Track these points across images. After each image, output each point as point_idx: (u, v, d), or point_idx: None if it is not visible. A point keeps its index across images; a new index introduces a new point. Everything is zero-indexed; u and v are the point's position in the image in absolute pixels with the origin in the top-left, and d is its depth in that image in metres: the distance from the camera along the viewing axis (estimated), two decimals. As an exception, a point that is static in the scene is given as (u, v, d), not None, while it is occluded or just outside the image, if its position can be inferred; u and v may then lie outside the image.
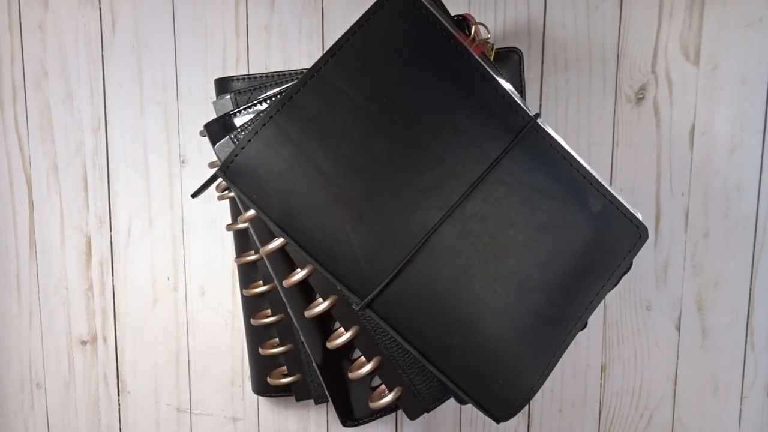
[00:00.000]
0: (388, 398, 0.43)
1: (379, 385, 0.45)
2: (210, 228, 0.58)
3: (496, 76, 0.39)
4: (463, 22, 0.42)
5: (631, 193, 0.55)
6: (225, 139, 0.43)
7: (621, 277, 0.40)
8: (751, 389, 0.57)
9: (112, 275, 0.59)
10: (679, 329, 0.56)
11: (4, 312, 0.60)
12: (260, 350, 0.51)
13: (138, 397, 0.60)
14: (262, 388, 0.54)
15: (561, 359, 0.39)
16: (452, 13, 0.42)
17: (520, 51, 0.47)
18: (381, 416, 0.46)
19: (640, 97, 0.54)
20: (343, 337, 0.42)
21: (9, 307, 0.60)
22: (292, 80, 0.46)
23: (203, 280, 0.58)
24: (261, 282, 0.50)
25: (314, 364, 0.45)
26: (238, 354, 0.59)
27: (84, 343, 0.60)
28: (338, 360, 0.45)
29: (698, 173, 0.55)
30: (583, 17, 0.54)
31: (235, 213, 0.50)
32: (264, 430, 0.60)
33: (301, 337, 0.46)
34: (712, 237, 0.55)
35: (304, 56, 0.55)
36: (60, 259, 0.59)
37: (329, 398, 0.46)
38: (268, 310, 0.51)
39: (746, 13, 0.53)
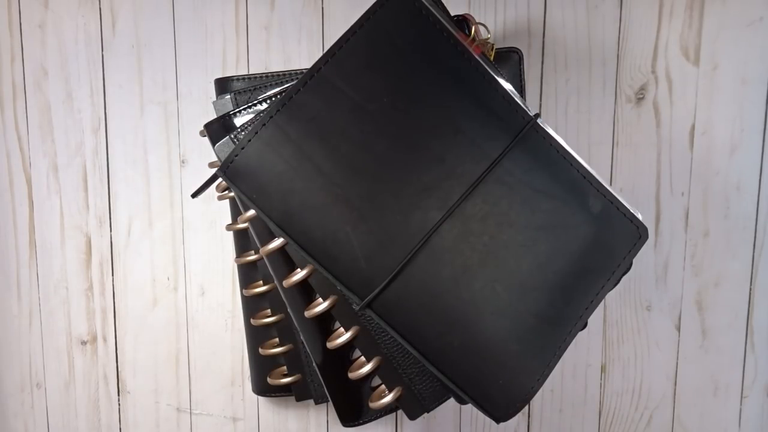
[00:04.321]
0: (388, 398, 0.43)
1: (379, 385, 0.45)
2: (210, 228, 0.58)
3: (496, 76, 0.39)
4: (463, 22, 0.42)
5: (631, 193, 0.55)
6: (225, 139, 0.43)
7: (621, 277, 0.40)
8: (751, 389, 0.57)
9: (112, 275, 0.59)
10: (679, 329, 0.56)
11: (4, 312, 0.60)
12: (260, 350, 0.51)
13: (138, 397, 0.60)
14: (262, 388, 0.54)
15: (561, 359, 0.39)
16: (452, 13, 0.42)
17: (520, 51, 0.47)
18: (381, 416, 0.46)
19: (640, 97, 0.54)
20: (343, 337, 0.42)
21: (9, 307, 0.60)
22: (292, 80, 0.46)
23: (203, 280, 0.58)
24: (261, 282, 0.50)
25: (314, 364, 0.45)
26: (238, 354, 0.59)
27: (84, 343, 0.60)
28: (338, 360, 0.45)
29: (698, 173, 0.55)
30: (583, 17, 0.54)
31: (235, 213, 0.50)
32: (264, 430, 0.60)
33: (301, 337, 0.46)
34: (712, 237, 0.55)
35: (304, 56, 0.55)
36: (60, 259, 0.59)
37: (329, 398, 0.46)
38: (268, 310, 0.51)
39: (746, 13, 0.53)
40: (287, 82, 0.46)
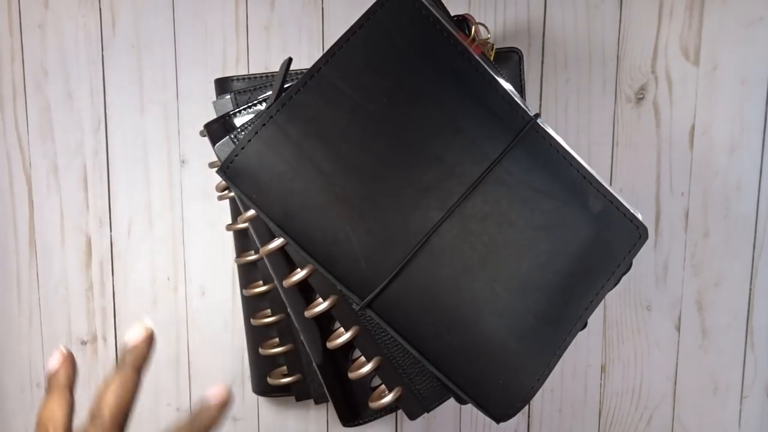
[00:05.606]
0: (388, 398, 0.43)
1: (379, 385, 0.45)
2: (210, 228, 0.58)
3: (496, 76, 0.39)
4: (463, 22, 0.42)
5: (631, 193, 0.55)
6: (225, 139, 0.43)
7: (621, 277, 0.40)
8: (751, 389, 0.57)
9: (112, 275, 0.59)
10: (679, 329, 0.56)
11: (4, 312, 0.60)
12: (260, 350, 0.51)
13: (138, 397, 0.60)
14: (262, 388, 0.54)
15: (561, 359, 0.39)
16: (452, 13, 0.42)
17: (520, 51, 0.47)
18: (381, 416, 0.46)
19: (640, 97, 0.54)
20: (343, 337, 0.42)
21: (9, 307, 0.60)
22: (292, 80, 0.46)
23: (203, 280, 0.58)
24: (261, 282, 0.50)
25: (314, 364, 0.45)
26: (238, 354, 0.59)
27: (84, 343, 0.60)
28: (338, 360, 0.45)
29: (698, 173, 0.55)
30: (583, 17, 0.54)
31: (235, 213, 0.50)
32: (264, 430, 0.60)
33: (301, 337, 0.46)
34: (712, 237, 0.55)
35: (304, 56, 0.55)
36: (60, 259, 0.59)
37: (329, 398, 0.46)
38: (268, 310, 0.51)
39: (746, 13, 0.53)
40: (287, 82, 0.46)
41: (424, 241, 0.37)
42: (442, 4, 0.41)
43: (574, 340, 0.39)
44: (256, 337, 0.52)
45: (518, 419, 0.58)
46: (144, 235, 0.58)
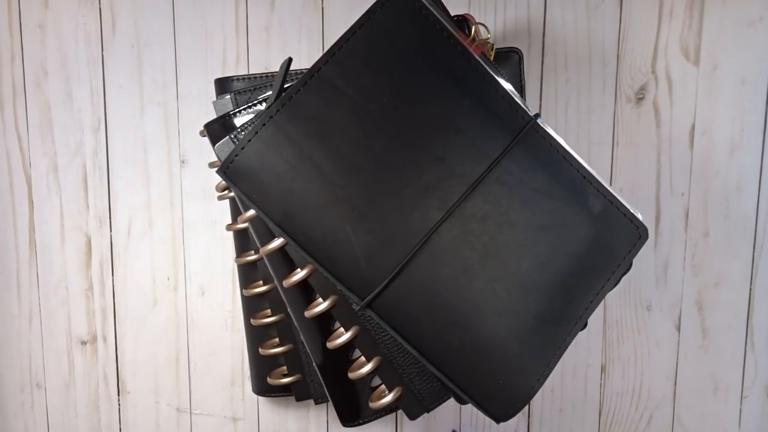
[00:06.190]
0: (388, 398, 0.43)
1: (379, 385, 0.45)
2: (210, 228, 0.58)
3: (496, 76, 0.39)
4: (463, 22, 0.42)
5: (631, 193, 0.55)
6: (225, 139, 0.43)
7: (621, 277, 0.40)
8: (751, 389, 0.57)
9: (112, 275, 0.59)
10: (679, 329, 0.56)
11: (4, 312, 0.60)
12: (260, 350, 0.51)
13: (138, 397, 0.60)
14: (262, 388, 0.54)
15: (561, 359, 0.39)
16: (452, 13, 0.42)
17: (520, 51, 0.47)
18: (381, 416, 0.46)
19: (640, 97, 0.54)
20: (343, 337, 0.42)
21: (9, 307, 0.60)
22: (292, 80, 0.46)
23: (203, 280, 0.58)
24: (261, 282, 0.50)
25: (314, 364, 0.45)
26: (238, 354, 0.59)
27: (84, 343, 0.60)
28: (338, 360, 0.45)
29: (698, 173, 0.55)
30: (583, 17, 0.54)
31: (235, 213, 0.50)
32: (264, 430, 0.60)
33: (301, 337, 0.46)
34: (712, 237, 0.55)
35: (304, 56, 0.55)
36: (60, 259, 0.59)
37: (329, 398, 0.46)
38: (268, 310, 0.51)
39: (746, 13, 0.53)
40: (287, 82, 0.46)
41: (424, 241, 0.37)
42: (442, 4, 0.41)
43: (574, 340, 0.39)
44: (256, 337, 0.52)
45: (518, 419, 0.58)
46: (144, 235, 0.58)
